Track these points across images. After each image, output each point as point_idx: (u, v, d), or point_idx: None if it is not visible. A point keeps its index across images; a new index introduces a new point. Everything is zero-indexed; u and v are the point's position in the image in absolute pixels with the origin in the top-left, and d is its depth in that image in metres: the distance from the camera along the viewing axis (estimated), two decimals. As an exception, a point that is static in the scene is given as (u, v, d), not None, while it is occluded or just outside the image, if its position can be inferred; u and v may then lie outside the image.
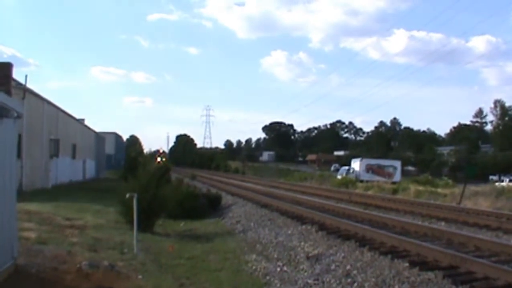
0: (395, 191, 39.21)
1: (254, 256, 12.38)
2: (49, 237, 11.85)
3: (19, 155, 27.69)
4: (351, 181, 51.84)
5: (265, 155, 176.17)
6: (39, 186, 29.72)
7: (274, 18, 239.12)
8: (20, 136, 27.51)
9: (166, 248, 13.03)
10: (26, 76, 28.05)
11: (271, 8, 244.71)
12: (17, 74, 28.90)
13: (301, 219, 17.07)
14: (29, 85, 28.63)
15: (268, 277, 10.44)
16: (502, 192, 28.80)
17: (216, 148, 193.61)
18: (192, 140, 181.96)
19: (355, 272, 10.02)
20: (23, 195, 24.31)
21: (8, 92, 12.66)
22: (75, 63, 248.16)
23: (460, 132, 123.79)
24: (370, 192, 39.74)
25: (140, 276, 9.30)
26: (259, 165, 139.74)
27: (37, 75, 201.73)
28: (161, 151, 68.33)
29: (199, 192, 26.65)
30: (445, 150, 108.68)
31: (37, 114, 31.33)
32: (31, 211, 16.60)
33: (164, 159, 55.10)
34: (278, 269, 10.99)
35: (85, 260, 9.36)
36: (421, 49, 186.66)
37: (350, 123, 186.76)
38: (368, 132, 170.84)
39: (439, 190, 36.90)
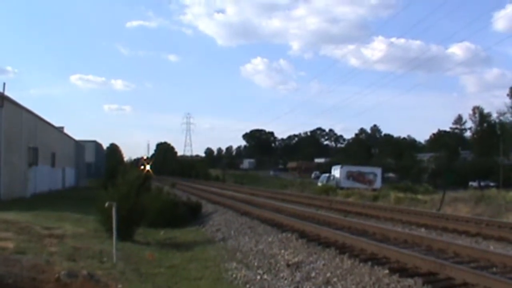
0: (375, 198, 39.47)
1: (234, 264, 12.35)
2: (27, 246, 11.70)
3: (-3, 163, 27.45)
4: (331, 188, 52.13)
5: (246, 163, 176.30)
6: (17, 195, 29.40)
7: (254, 26, 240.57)
8: (-2, 145, 27.29)
9: (146, 257, 12.95)
10: (4, 84, 27.89)
11: (251, 16, 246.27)
12: (-5, 82, 28.59)
13: (281, 227, 17.03)
14: (8, 93, 28.46)
15: (248, 285, 10.42)
16: (481, 198, 29.15)
17: (197, 156, 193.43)
18: (172, 148, 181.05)
19: (335, 279, 10.05)
20: (0, 204, 24.12)
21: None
22: (54, 71, 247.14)
23: (440, 138, 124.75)
24: (350, 199, 39.94)
25: (119, 285, 9.20)
26: (240, 172, 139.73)
27: (16, 83, 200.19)
28: (144, 158, 67.88)
29: (179, 200, 26.53)
30: (425, 156, 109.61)
31: (15, 122, 31.05)
32: (9, 220, 16.42)
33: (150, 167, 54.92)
34: (258, 277, 10.97)
35: (64, 270, 9.23)
36: (400, 56, 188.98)
37: (331, 130, 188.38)
38: (348, 139, 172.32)
39: (419, 196, 37.19)
